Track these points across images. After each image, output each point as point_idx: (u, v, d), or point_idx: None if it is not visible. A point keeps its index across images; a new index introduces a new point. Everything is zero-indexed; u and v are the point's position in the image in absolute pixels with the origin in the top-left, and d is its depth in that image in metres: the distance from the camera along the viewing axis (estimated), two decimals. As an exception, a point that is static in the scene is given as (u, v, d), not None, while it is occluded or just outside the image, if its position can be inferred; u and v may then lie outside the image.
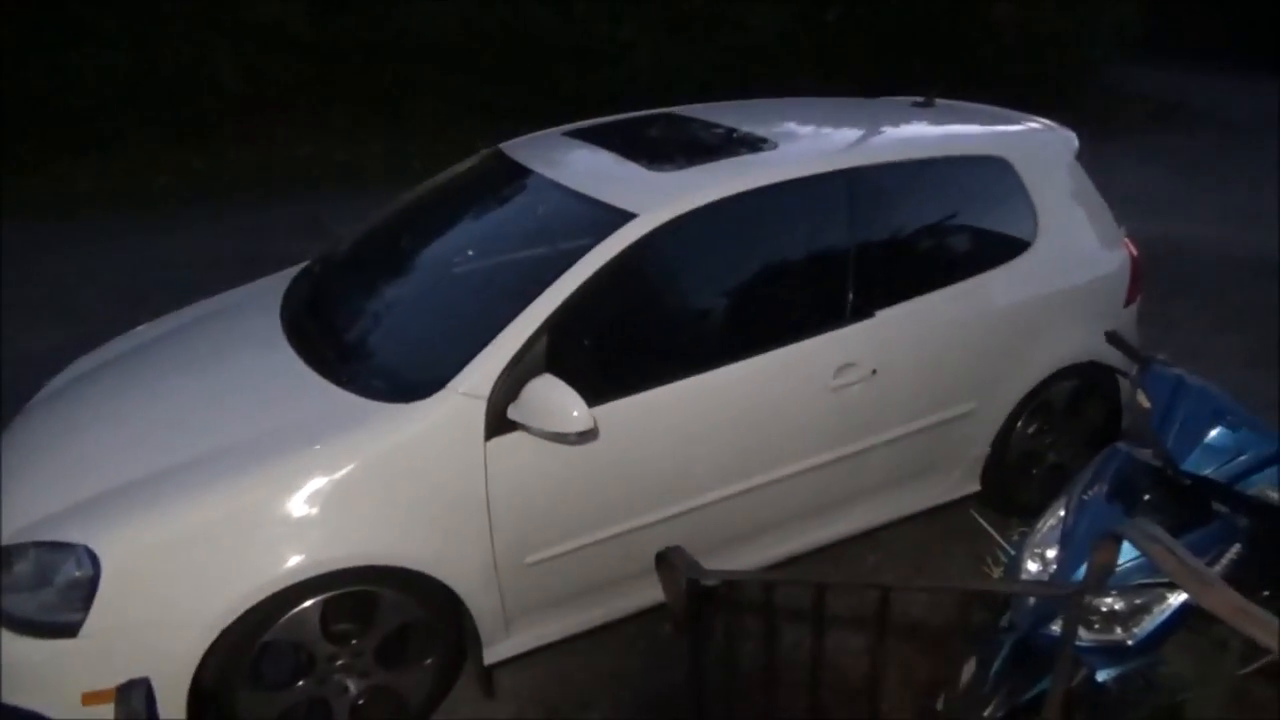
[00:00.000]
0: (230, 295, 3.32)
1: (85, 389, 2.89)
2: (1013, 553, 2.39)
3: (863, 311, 2.93)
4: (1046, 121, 3.67)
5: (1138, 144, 9.45)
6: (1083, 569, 2.11)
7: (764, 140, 3.11)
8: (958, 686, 2.25)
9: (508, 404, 2.39)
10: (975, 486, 3.38)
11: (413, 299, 3.02)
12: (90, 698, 2.15)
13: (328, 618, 2.34)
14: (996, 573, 3.03)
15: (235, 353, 2.89)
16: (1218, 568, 2.10)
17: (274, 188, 8.09)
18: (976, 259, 3.21)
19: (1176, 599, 2.08)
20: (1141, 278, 3.55)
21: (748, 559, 2.94)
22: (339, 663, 2.42)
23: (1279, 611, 1.33)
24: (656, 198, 2.71)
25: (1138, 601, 2.10)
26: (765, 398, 2.81)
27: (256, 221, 7.10)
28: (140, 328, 3.27)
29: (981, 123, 3.65)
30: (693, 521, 2.74)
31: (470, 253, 3.10)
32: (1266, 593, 2.13)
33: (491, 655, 2.61)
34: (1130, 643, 2.10)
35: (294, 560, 2.25)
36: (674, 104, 3.71)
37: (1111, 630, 2.10)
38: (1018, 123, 3.64)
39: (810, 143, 3.36)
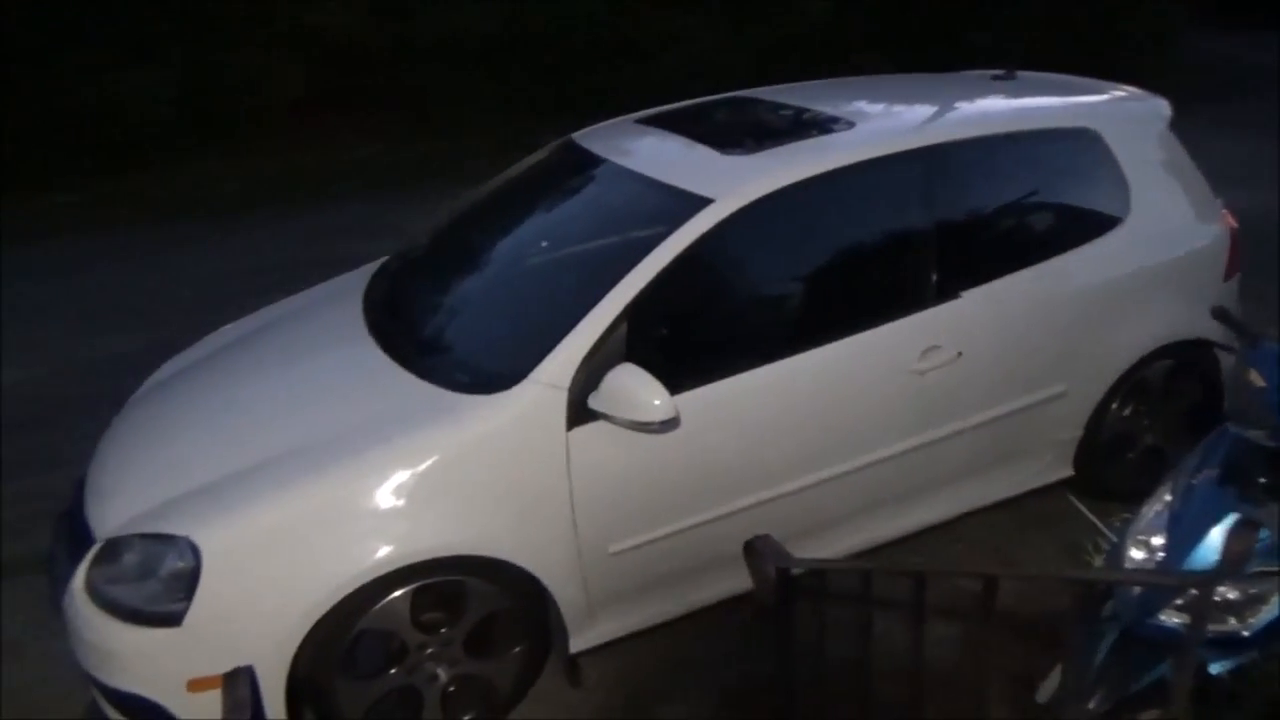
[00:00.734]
0: (312, 292, 3.39)
1: (179, 387, 2.98)
2: (1114, 540, 2.30)
3: (947, 293, 2.85)
4: (1135, 89, 3.52)
5: (1219, 112, 9.02)
6: (1192, 556, 2.03)
7: (839, 120, 3.05)
8: (1058, 678, 2.18)
9: (588, 394, 2.39)
10: (1067, 471, 3.27)
11: (491, 291, 3.04)
12: (195, 684, 2.21)
13: (418, 607, 2.37)
14: (1097, 561, 2.93)
15: (320, 348, 2.94)
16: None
17: (338, 190, 8.25)
18: (1066, 236, 3.10)
19: (1296, 588, 1.97)
20: (1241, 251, 3.39)
21: (828, 548, 2.89)
22: (429, 651, 2.45)
23: None
24: (732, 182, 2.68)
25: (1253, 591, 2.00)
26: (847, 383, 2.76)
27: (323, 224, 7.25)
28: (227, 327, 3.35)
29: (1067, 94, 3.51)
30: (773, 510, 2.71)
31: (546, 243, 3.11)
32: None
33: (577, 644, 2.62)
34: (1246, 634, 2.00)
35: (383, 551, 2.28)
36: (730, 92, 3.66)
37: (1225, 621, 2.00)
38: (1105, 92, 3.50)
39: (886, 121, 3.28)
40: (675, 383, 2.40)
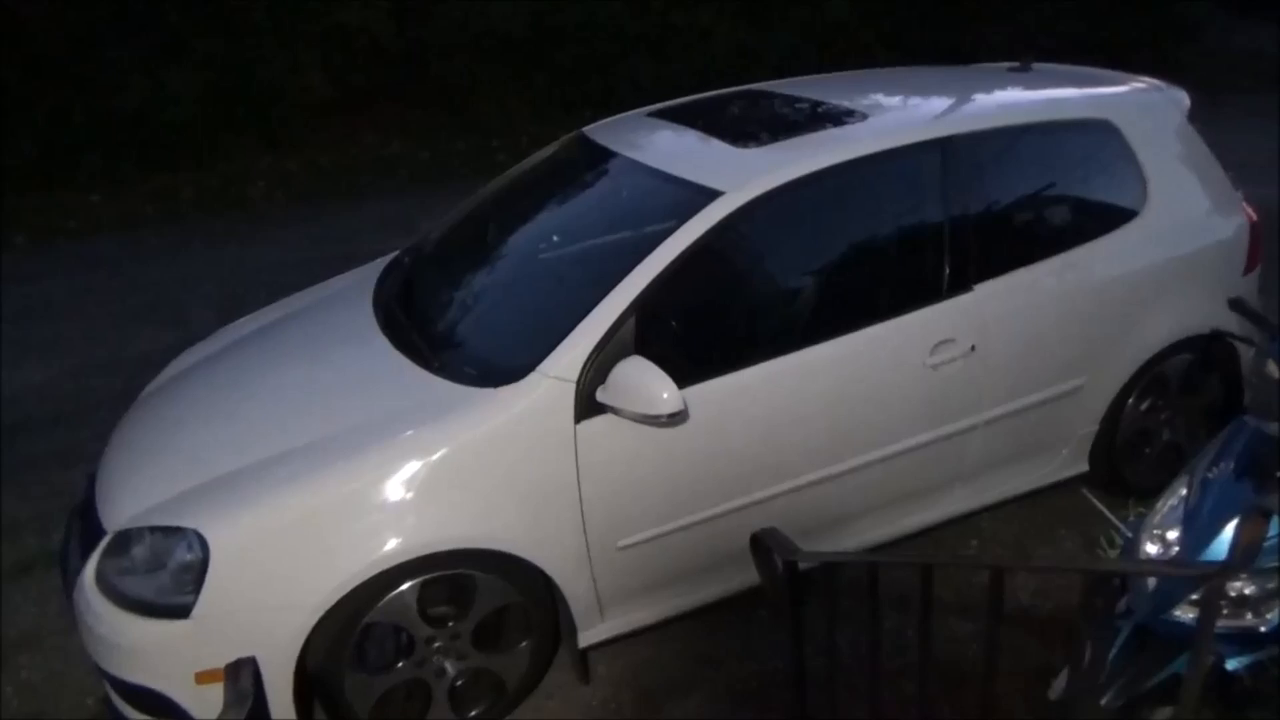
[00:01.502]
0: (323, 287, 3.40)
1: (191, 381, 3.00)
2: (1129, 535, 2.26)
3: (960, 286, 2.82)
4: (1153, 81, 3.47)
5: (1247, 104, 8.89)
6: (1208, 551, 1.99)
7: (852, 112, 3.02)
8: (1071, 673, 2.14)
9: (597, 387, 2.38)
10: (1083, 467, 3.23)
11: (501, 285, 3.04)
12: (203, 676, 2.22)
13: (426, 601, 2.37)
14: (1112, 556, 2.89)
15: (331, 343, 2.95)
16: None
17: (364, 188, 8.31)
18: (1081, 228, 3.05)
19: (1315, 582, 1.93)
20: (1262, 244, 3.33)
21: (842, 544, 2.87)
22: (437, 645, 2.45)
23: None
24: (743, 175, 2.66)
25: (1270, 586, 1.96)
26: (858, 377, 2.73)
27: (349, 221, 7.30)
28: (239, 321, 3.37)
29: (1083, 85, 3.47)
30: (785, 505, 2.69)
31: (556, 237, 3.10)
32: None
33: (586, 639, 2.61)
34: (1263, 629, 1.96)
35: (391, 544, 2.28)
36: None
37: (1242, 616, 1.97)
38: (1122, 84, 3.45)
39: (900, 113, 3.25)
40: (684, 376, 2.38)
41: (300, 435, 2.44)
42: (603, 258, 2.84)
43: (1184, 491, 2.16)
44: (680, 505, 2.57)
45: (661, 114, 3.33)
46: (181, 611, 2.21)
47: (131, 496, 2.45)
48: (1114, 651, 2.06)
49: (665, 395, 2.31)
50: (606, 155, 3.08)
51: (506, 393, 2.39)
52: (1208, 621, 1.62)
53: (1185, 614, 1.98)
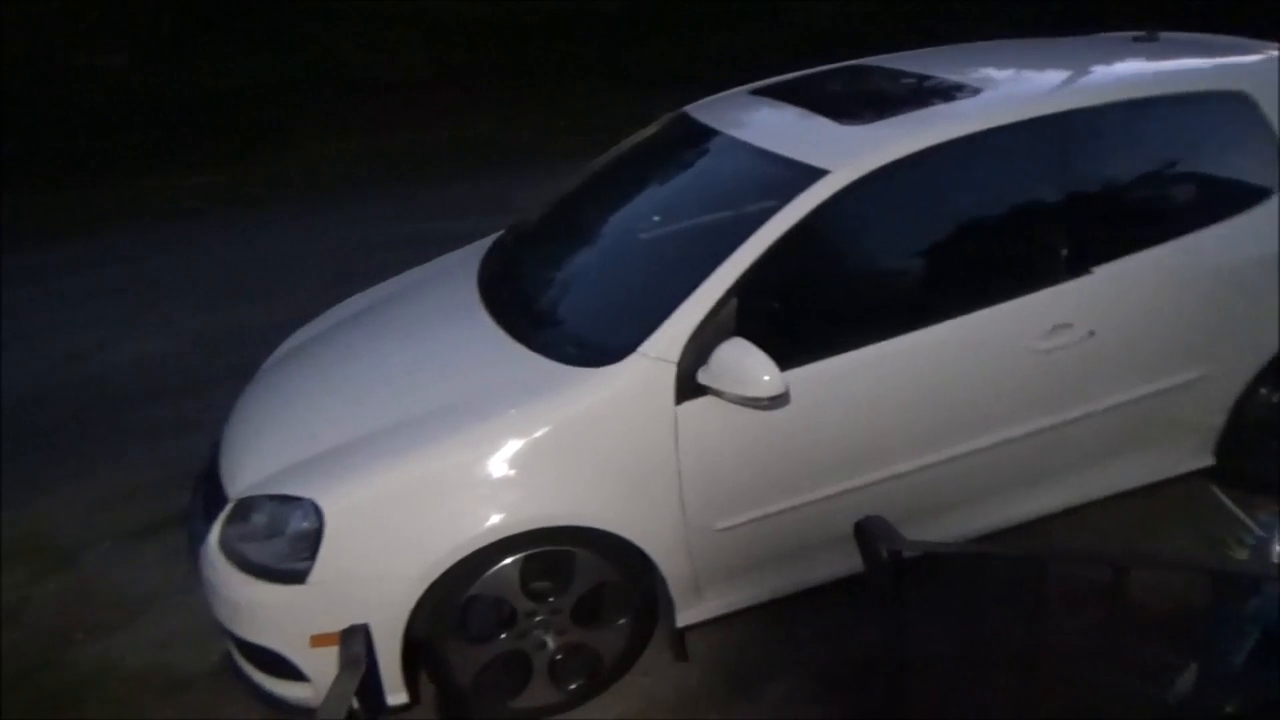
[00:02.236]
0: (430, 266, 3.47)
1: (306, 357, 3.11)
2: (1261, 534, 2.14)
3: (1078, 268, 2.70)
4: (1293, 49, 3.24)
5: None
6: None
7: (963, 87, 2.91)
8: (1190, 678, 2.05)
9: (697, 368, 2.37)
10: (1207, 460, 3.07)
11: (602, 264, 3.05)
12: (318, 640, 2.31)
13: (528, 575, 2.41)
14: (1240, 556, 2.74)
15: (437, 321, 3.02)
16: None
17: (461, 168, 8.46)
18: (1212, 208, 2.89)
19: None
20: None
21: (943, 533, 2.79)
22: (538, 619, 2.49)
23: None
24: (849, 153, 2.60)
25: None
26: (968, 362, 2.65)
27: (441, 200, 7.44)
28: (350, 299, 3.48)
29: (1214, 55, 3.27)
30: (886, 491, 2.64)
31: (658, 217, 3.09)
32: None
33: (683, 619, 2.62)
34: None
35: (494, 519, 2.33)
36: (841, 59, 3.54)
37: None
38: (1259, 53, 3.23)
39: (1014, 87, 3.12)
40: (786, 358, 2.35)
41: (408, 410, 2.51)
42: (705, 237, 2.82)
43: (1323, 489, 2.03)
44: (780, 489, 2.55)
45: (764, 91, 3.28)
46: (298, 577, 2.31)
47: (252, 466, 2.56)
48: (1239, 657, 1.96)
49: (767, 378, 2.28)
50: (709, 134, 3.05)
51: (607, 372, 2.41)
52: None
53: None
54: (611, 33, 9.50)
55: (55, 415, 4.62)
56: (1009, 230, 2.82)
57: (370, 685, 2.27)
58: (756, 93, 3.28)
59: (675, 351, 2.37)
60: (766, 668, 2.71)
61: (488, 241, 3.40)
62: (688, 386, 2.38)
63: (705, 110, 3.24)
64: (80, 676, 2.93)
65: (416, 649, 2.43)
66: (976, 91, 2.88)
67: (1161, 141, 2.95)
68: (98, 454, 4.17)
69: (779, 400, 2.33)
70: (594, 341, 2.53)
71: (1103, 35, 3.67)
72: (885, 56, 3.45)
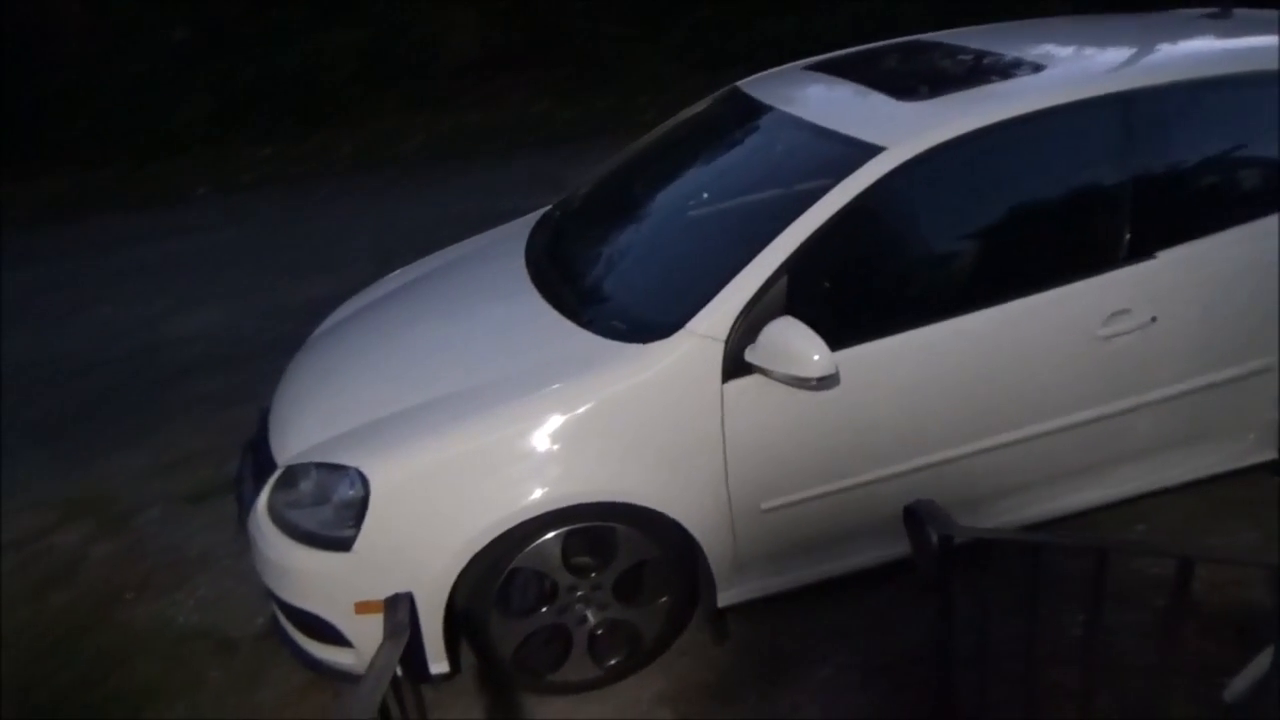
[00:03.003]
0: (478, 240, 3.48)
1: (354, 328, 3.14)
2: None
3: (1141, 252, 2.62)
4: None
5: None
6: None
7: (1026, 64, 2.83)
8: (1249, 676, 1.99)
9: (745, 347, 2.34)
10: (1270, 454, 2.96)
11: (651, 241, 3.02)
12: (362, 607, 2.34)
13: (570, 550, 2.41)
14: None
15: (484, 295, 3.02)
16: None
17: (513, 145, 8.48)
18: (1283, 192, 2.77)
19: None
20: None
21: (993, 521, 2.74)
22: (579, 594, 2.49)
23: None
24: (906, 130, 2.54)
25: None
26: (1022, 346, 2.59)
27: (498, 177, 7.47)
28: (397, 271, 3.50)
29: (1292, 32, 3.13)
30: (935, 476, 2.59)
31: (708, 193, 3.05)
32: None
33: (724, 599, 2.60)
34: None
35: (536, 493, 2.33)
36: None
37: None
38: (1340, 32, 3.09)
39: (1079, 64, 3.02)
40: (836, 339, 2.31)
41: (454, 383, 2.52)
42: (755, 214, 2.78)
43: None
44: (826, 471, 2.52)
45: (819, 67, 3.21)
46: (343, 544, 2.33)
47: (300, 434, 2.59)
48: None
49: (816, 357, 2.25)
50: (761, 109, 3.01)
51: (654, 349, 2.39)
52: None
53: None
54: (671, 12, 9.41)
55: (113, 382, 4.75)
56: (1069, 212, 2.74)
57: (413, 653, 2.29)
58: (812, 68, 3.22)
59: (723, 329, 2.34)
60: (808, 652, 2.68)
61: (534, 216, 3.39)
62: (735, 365, 2.35)
63: (758, 85, 3.19)
64: (130, 635, 3.00)
65: (458, 620, 2.44)
66: (1039, 68, 2.80)
67: (1233, 123, 2.83)
68: (154, 420, 4.28)
69: (828, 381, 2.30)
70: (641, 318, 2.51)
71: (1174, 11, 3.54)
72: (945, 32, 3.37)
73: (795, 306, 2.35)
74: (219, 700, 2.72)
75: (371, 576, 2.32)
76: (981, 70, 2.93)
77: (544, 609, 2.49)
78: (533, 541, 2.37)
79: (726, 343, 2.34)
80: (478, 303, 2.98)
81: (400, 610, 2.01)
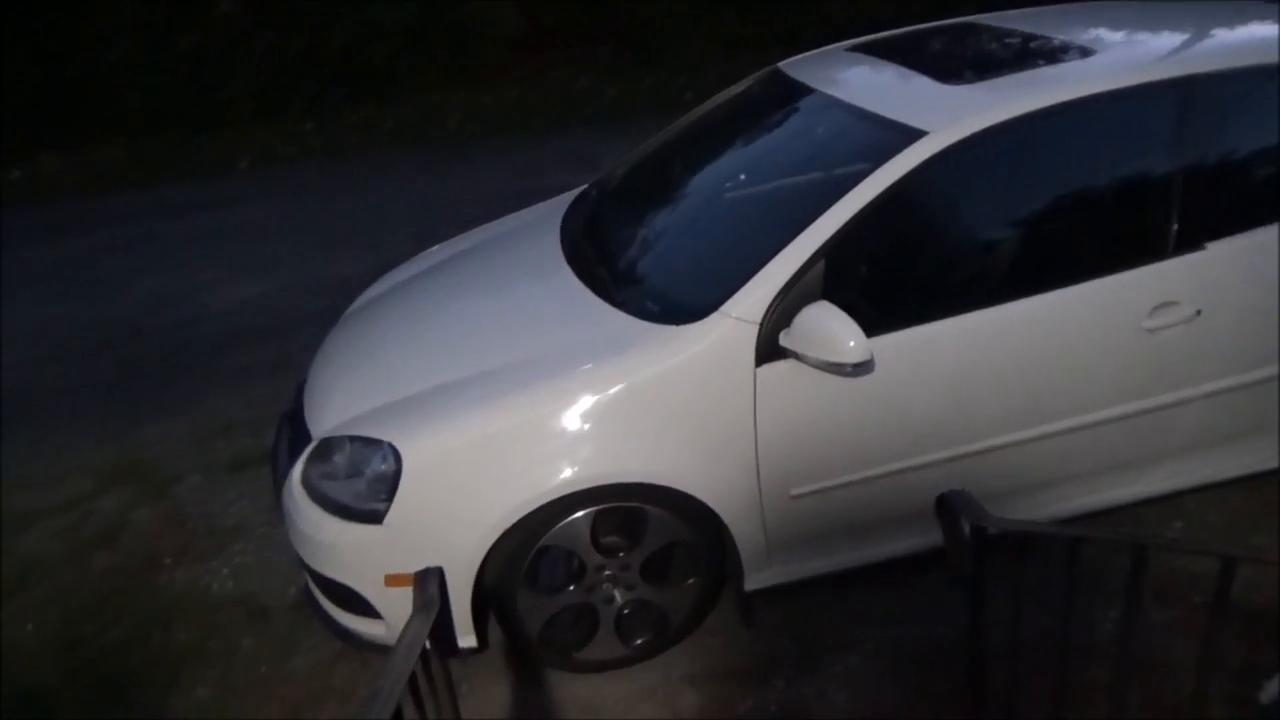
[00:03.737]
0: (514, 218, 3.48)
1: (389, 304, 3.16)
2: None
3: (1189, 243, 2.55)
4: None
5: None
6: None
7: (1074, 48, 2.76)
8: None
9: (780, 331, 2.32)
10: (1318, 453, 2.89)
11: (688, 222, 3.00)
12: (393, 579, 2.37)
13: (599, 530, 2.42)
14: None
15: (519, 273, 3.02)
16: None
17: (552, 123, 8.47)
18: (1341, 185, 2.69)
19: None
20: None
21: (1028, 514, 2.70)
22: (607, 573, 2.50)
23: None
24: (949, 114, 2.49)
25: None
26: (1063, 337, 2.54)
27: (537, 155, 7.47)
28: (434, 248, 3.52)
29: (1358, 18, 3.02)
30: (970, 467, 2.55)
31: (745, 175, 3.02)
32: None
33: (752, 583, 2.60)
34: None
35: (566, 472, 2.33)
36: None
37: None
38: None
39: (1129, 50, 2.94)
40: (872, 325, 2.28)
41: (487, 361, 2.53)
42: (794, 198, 2.75)
43: None
44: (859, 458, 2.50)
45: (863, 48, 3.16)
46: (375, 517, 2.36)
47: (335, 407, 2.62)
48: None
49: (852, 343, 2.22)
50: (803, 91, 2.97)
51: (688, 331, 2.38)
52: None
53: None
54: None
55: (156, 352, 4.84)
56: (1115, 201, 2.68)
57: (442, 627, 2.32)
58: (855, 49, 3.17)
59: (758, 312, 2.33)
60: (836, 640, 2.68)
61: (570, 195, 3.38)
62: (769, 349, 2.33)
63: (799, 67, 3.15)
64: (168, 600, 3.07)
65: (487, 595, 2.46)
66: (1087, 53, 2.73)
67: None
68: (196, 389, 4.35)
69: (863, 367, 2.27)
70: (675, 299, 2.50)
71: (1227, -3, 3.43)
72: (994, 15, 3.29)
73: (831, 291, 2.32)
74: (251, 667, 2.78)
75: (402, 550, 2.35)
76: (1029, 54, 2.87)
77: (572, 587, 2.50)
78: (562, 520, 2.38)
79: (761, 326, 2.33)
80: (512, 281, 2.99)
81: (430, 584, 2.04)
